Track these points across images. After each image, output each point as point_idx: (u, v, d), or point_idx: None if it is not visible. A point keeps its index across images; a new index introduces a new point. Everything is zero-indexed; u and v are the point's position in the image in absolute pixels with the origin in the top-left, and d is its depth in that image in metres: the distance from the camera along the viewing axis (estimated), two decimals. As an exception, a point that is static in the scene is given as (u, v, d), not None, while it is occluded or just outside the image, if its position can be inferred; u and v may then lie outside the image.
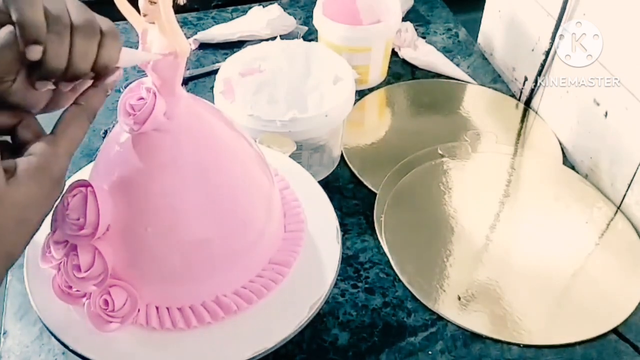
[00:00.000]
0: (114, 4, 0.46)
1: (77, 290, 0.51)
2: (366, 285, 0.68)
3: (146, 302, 0.52)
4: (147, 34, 0.48)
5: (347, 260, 0.70)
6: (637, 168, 0.71)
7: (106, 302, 0.50)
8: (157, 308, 0.53)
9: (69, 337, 0.52)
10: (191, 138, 0.50)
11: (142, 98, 0.48)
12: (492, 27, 0.99)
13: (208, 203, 0.51)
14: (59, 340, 0.52)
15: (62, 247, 0.52)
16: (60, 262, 0.52)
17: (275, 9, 1.00)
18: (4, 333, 0.63)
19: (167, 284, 0.52)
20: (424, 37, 1.01)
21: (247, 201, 0.54)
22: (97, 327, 0.51)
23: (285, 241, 0.58)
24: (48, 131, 0.42)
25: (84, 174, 0.59)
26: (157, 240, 0.50)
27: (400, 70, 0.97)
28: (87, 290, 0.51)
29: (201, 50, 0.98)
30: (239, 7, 1.07)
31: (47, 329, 0.52)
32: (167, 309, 0.52)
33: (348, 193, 0.78)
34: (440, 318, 0.65)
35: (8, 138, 0.42)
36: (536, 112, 0.89)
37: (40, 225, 0.41)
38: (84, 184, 0.50)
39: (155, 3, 0.45)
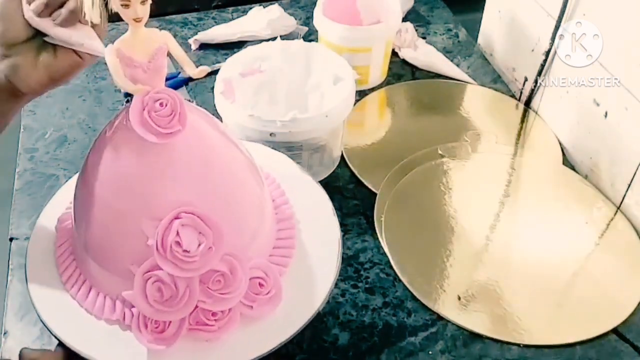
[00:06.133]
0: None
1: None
2: (366, 285, 0.68)
3: None
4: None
5: (347, 260, 0.70)
6: (637, 168, 0.71)
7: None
8: None
9: (69, 336, 0.52)
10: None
11: (161, 103, 0.49)
12: (492, 28, 0.99)
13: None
14: (59, 339, 0.52)
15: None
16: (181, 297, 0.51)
17: (275, 9, 1.00)
18: (5, 333, 0.63)
19: None
20: (424, 38, 1.01)
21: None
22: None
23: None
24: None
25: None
26: None
27: (401, 70, 0.97)
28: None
29: (201, 51, 0.98)
30: (239, 7, 1.07)
31: (48, 328, 0.52)
32: None
33: (348, 193, 0.78)
34: (440, 318, 0.65)
35: None
36: (536, 112, 0.89)
37: None
38: (176, 216, 0.50)
39: (146, 1, 0.46)
